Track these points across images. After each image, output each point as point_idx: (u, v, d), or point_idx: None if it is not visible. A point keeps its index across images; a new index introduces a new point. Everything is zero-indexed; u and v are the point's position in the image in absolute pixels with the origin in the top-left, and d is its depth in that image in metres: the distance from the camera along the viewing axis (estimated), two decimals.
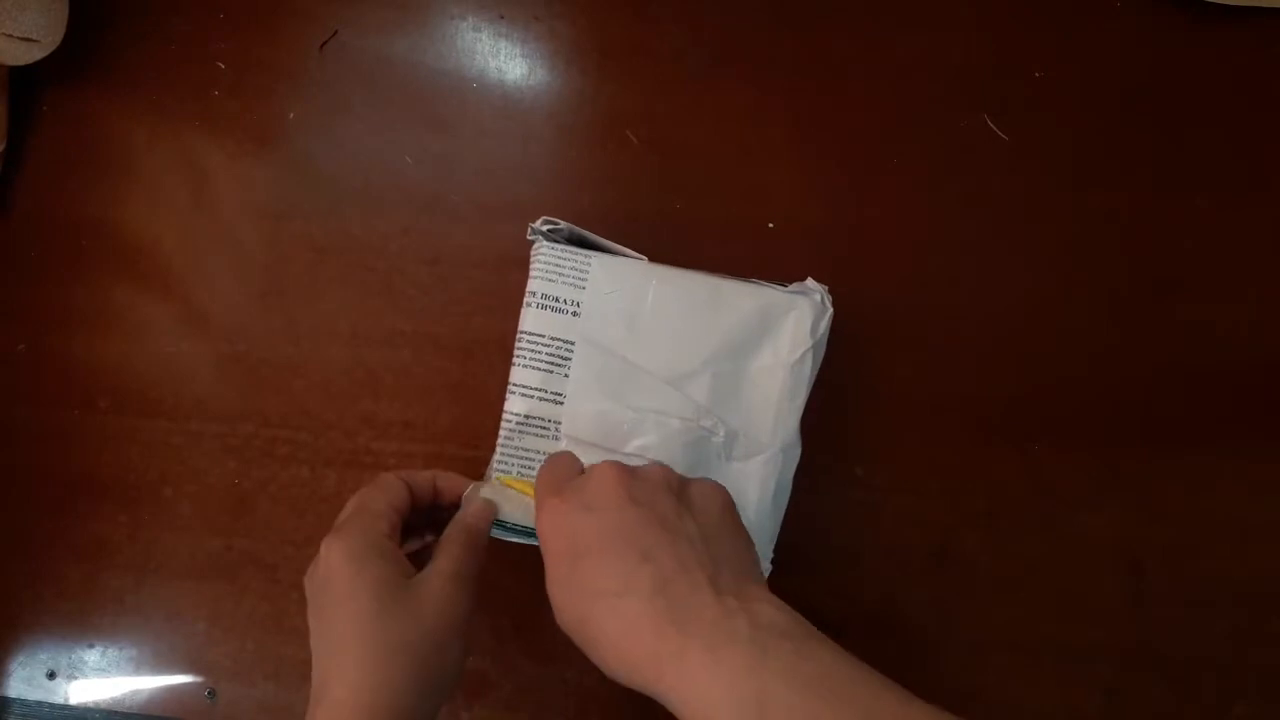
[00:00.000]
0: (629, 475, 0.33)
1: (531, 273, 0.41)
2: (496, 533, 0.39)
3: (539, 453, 0.40)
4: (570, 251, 0.41)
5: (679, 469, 0.39)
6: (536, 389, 0.40)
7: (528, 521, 0.39)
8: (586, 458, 0.39)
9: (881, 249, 0.47)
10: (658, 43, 0.48)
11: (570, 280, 0.40)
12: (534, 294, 0.40)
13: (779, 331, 0.40)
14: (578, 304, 0.40)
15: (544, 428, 0.40)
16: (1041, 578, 0.45)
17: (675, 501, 0.33)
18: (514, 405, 0.40)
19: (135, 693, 0.48)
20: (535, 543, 0.38)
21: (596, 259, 0.41)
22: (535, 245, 0.41)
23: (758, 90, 0.48)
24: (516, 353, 0.40)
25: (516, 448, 0.40)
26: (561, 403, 0.40)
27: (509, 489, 0.40)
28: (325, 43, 0.50)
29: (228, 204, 0.49)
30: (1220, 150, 0.47)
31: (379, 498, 0.38)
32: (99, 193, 0.50)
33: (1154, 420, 0.46)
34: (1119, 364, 0.46)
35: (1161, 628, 0.45)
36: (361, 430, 0.48)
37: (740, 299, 0.40)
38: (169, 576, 0.48)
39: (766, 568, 0.40)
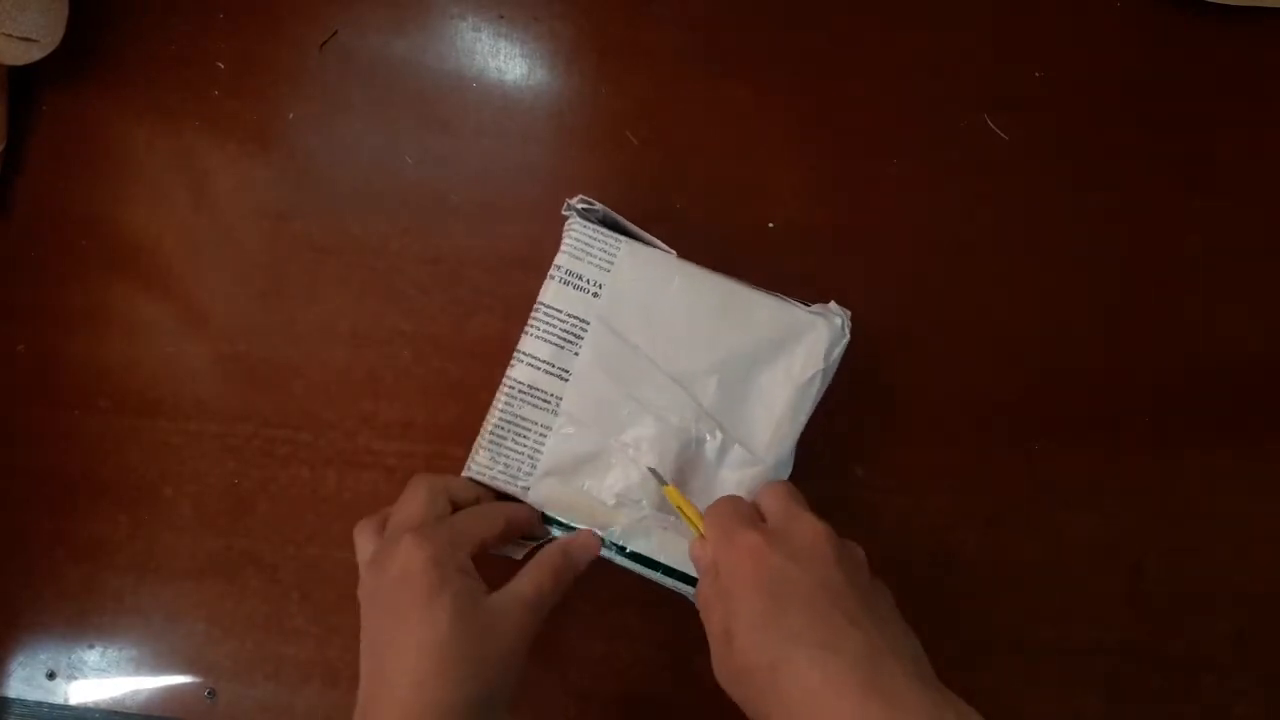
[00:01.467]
0: (836, 538, 0.34)
1: (561, 248, 0.41)
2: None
3: (535, 424, 0.40)
4: (601, 233, 0.41)
5: (669, 466, 0.39)
6: (544, 361, 0.40)
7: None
8: (580, 440, 0.40)
9: (881, 249, 0.47)
10: (658, 43, 0.48)
11: (597, 261, 0.41)
12: (559, 268, 0.41)
13: (794, 349, 0.40)
14: (600, 285, 0.40)
15: (545, 401, 0.40)
16: (1041, 578, 0.45)
17: (870, 581, 0.34)
18: (518, 373, 0.41)
19: (135, 693, 0.48)
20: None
21: (626, 244, 0.41)
22: (569, 221, 0.41)
23: (758, 90, 0.48)
24: (531, 322, 0.41)
25: (514, 415, 0.40)
26: (566, 379, 0.40)
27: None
28: (325, 43, 0.50)
29: (228, 204, 0.49)
30: (1220, 150, 0.47)
31: (478, 525, 0.38)
32: (99, 193, 0.50)
33: (1154, 420, 0.46)
34: (1119, 364, 0.46)
35: (1161, 628, 0.45)
36: (361, 430, 0.48)
37: (760, 310, 0.40)
38: (169, 576, 0.48)
39: None
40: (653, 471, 0.39)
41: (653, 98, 0.48)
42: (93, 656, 0.48)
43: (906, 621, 0.35)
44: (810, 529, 0.34)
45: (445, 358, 0.48)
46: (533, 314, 0.41)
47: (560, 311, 0.40)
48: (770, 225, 0.47)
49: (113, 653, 0.48)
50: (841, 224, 0.47)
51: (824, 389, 0.41)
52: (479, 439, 0.41)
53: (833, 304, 0.41)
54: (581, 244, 0.41)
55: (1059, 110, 0.47)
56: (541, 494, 0.40)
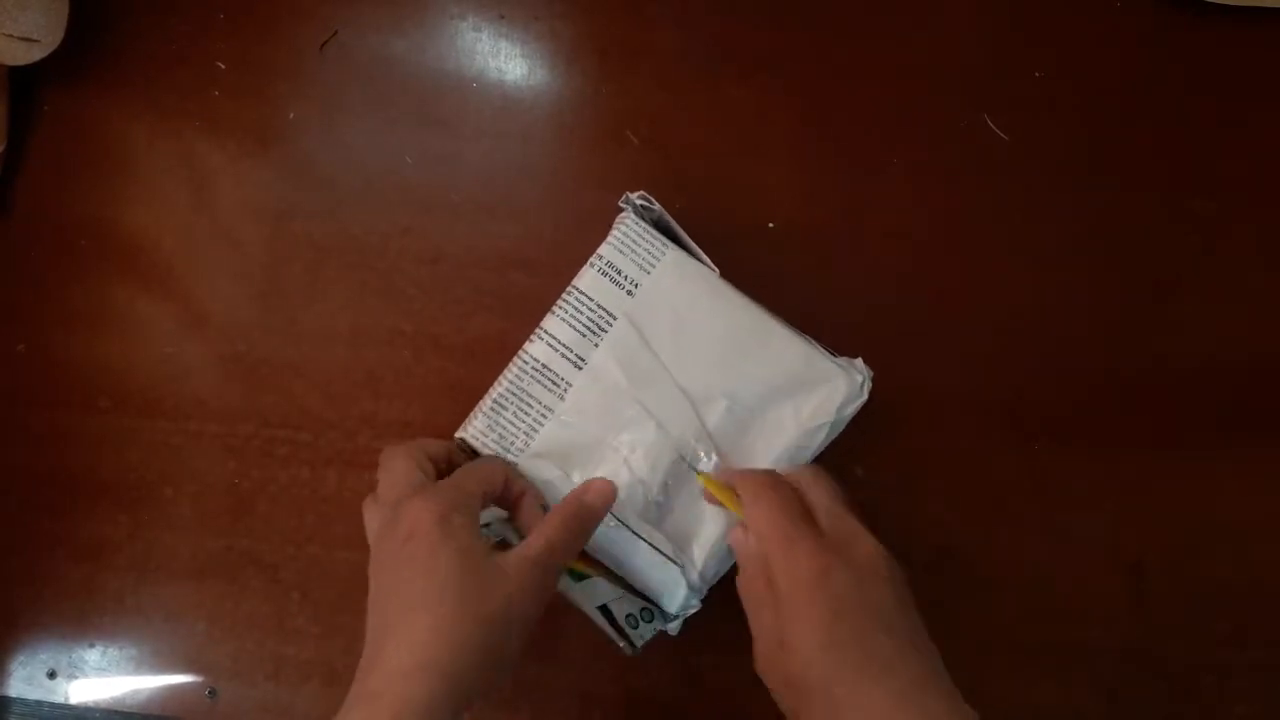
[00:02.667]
0: (889, 556, 0.34)
1: (607, 239, 0.41)
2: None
3: (539, 403, 0.40)
4: (650, 234, 0.41)
5: (656, 479, 0.39)
6: (564, 345, 0.40)
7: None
8: (578, 430, 0.40)
9: (881, 249, 0.47)
10: (658, 43, 0.48)
11: (639, 260, 0.41)
12: (600, 258, 0.41)
13: (808, 395, 0.40)
14: (636, 284, 0.40)
15: (554, 383, 0.40)
16: (1041, 578, 0.45)
17: (912, 599, 0.34)
18: (536, 350, 0.41)
19: (135, 693, 0.48)
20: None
21: (672, 251, 0.41)
22: (622, 215, 0.41)
23: (758, 90, 0.48)
24: (559, 305, 0.41)
25: (521, 390, 0.40)
26: (580, 368, 0.40)
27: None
28: (325, 43, 0.50)
29: (228, 204, 0.49)
30: (1220, 150, 0.47)
31: (474, 478, 0.37)
32: (99, 193, 0.50)
33: (1154, 420, 0.46)
34: (1119, 364, 0.46)
35: (1161, 628, 0.45)
36: (361, 430, 0.48)
37: (786, 348, 0.40)
38: (169, 576, 0.48)
39: (696, 605, 0.40)
40: (683, 459, 0.39)
41: (653, 98, 0.48)
42: (93, 656, 0.48)
43: None
44: (869, 547, 0.34)
45: (445, 358, 0.48)
46: (564, 296, 0.41)
47: (591, 300, 0.40)
48: (770, 225, 0.47)
49: (113, 652, 0.48)
50: (841, 224, 0.47)
51: (829, 441, 0.41)
52: (479, 405, 0.41)
53: (859, 361, 0.41)
54: (628, 240, 0.41)
55: (1059, 110, 0.47)
56: (526, 473, 0.40)
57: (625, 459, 0.40)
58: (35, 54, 0.46)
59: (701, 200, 0.47)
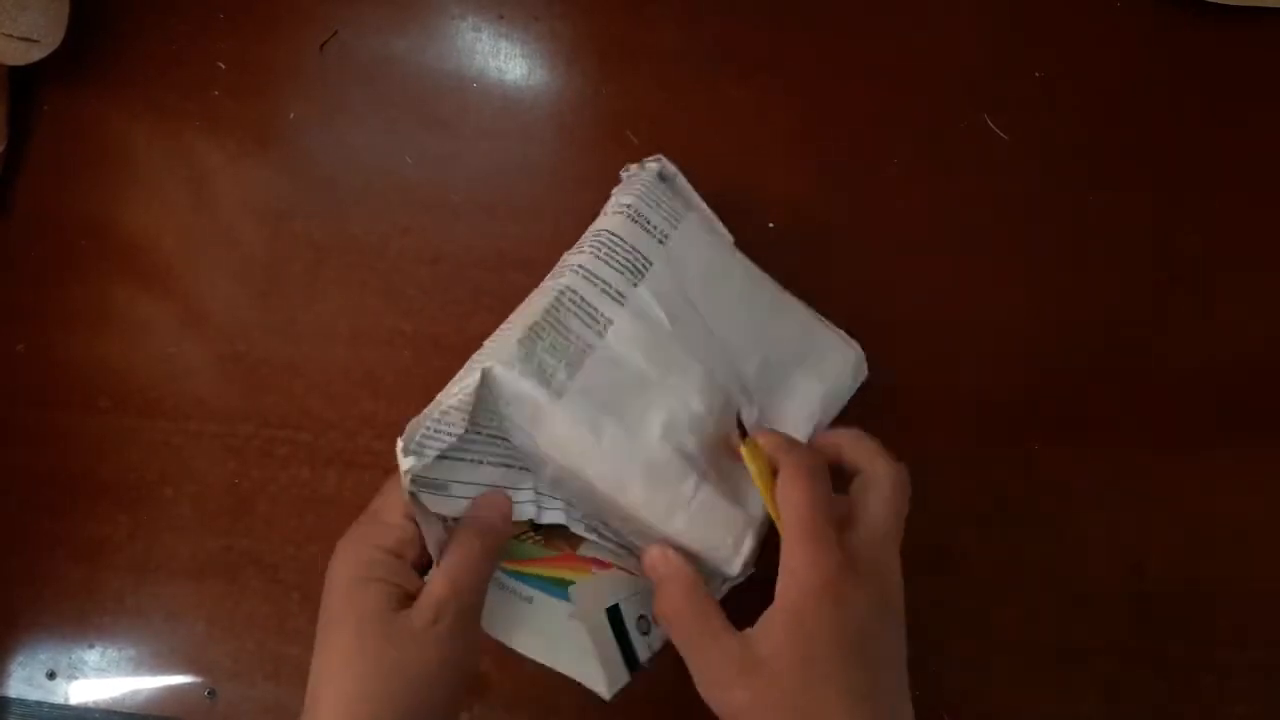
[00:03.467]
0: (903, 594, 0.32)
1: (628, 191, 0.40)
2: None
3: (579, 338, 0.36)
4: (672, 194, 0.41)
5: (712, 421, 0.36)
6: (602, 280, 0.37)
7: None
8: (626, 367, 0.36)
9: (881, 249, 0.47)
10: (658, 43, 0.48)
11: (665, 215, 0.39)
12: (628, 206, 0.39)
13: (824, 362, 0.40)
14: (666, 235, 0.39)
15: (594, 319, 0.36)
16: (1041, 578, 0.45)
17: None
18: (571, 282, 0.37)
19: (135, 693, 0.48)
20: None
21: (694, 213, 0.41)
22: (638, 173, 0.41)
23: (758, 90, 0.48)
24: (591, 244, 0.38)
25: (558, 321, 0.36)
26: (622, 304, 0.37)
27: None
28: (325, 43, 0.50)
29: (228, 204, 0.49)
30: (1220, 150, 0.47)
31: (392, 506, 0.34)
32: (99, 193, 0.50)
33: (1154, 420, 0.46)
34: (1119, 364, 0.46)
35: (1161, 628, 0.45)
36: (361, 430, 0.48)
37: (798, 315, 0.41)
38: (169, 576, 0.48)
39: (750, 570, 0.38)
40: (739, 423, 0.36)
41: (653, 98, 0.48)
42: (93, 656, 0.48)
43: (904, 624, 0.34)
44: (896, 582, 0.32)
45: (445, 358, 0.47)
46: (592, 236, 0.38)
47: (625, 242, 0.38)
48: (770, 225, 0.47)
49: (113, 653, 0.48)
50: (841, 224, 0.47)
51: (836, 413, 0.41)
52: (501, 335, 0.36)
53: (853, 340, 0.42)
54: (653, 195, 0.40)
55: (1059, 110, 0.47)
56: (572, 411, 0.35)
57: (684, 400, 0.36)
58: (35, 54, 0.46)
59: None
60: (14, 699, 0.48)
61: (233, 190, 0.49)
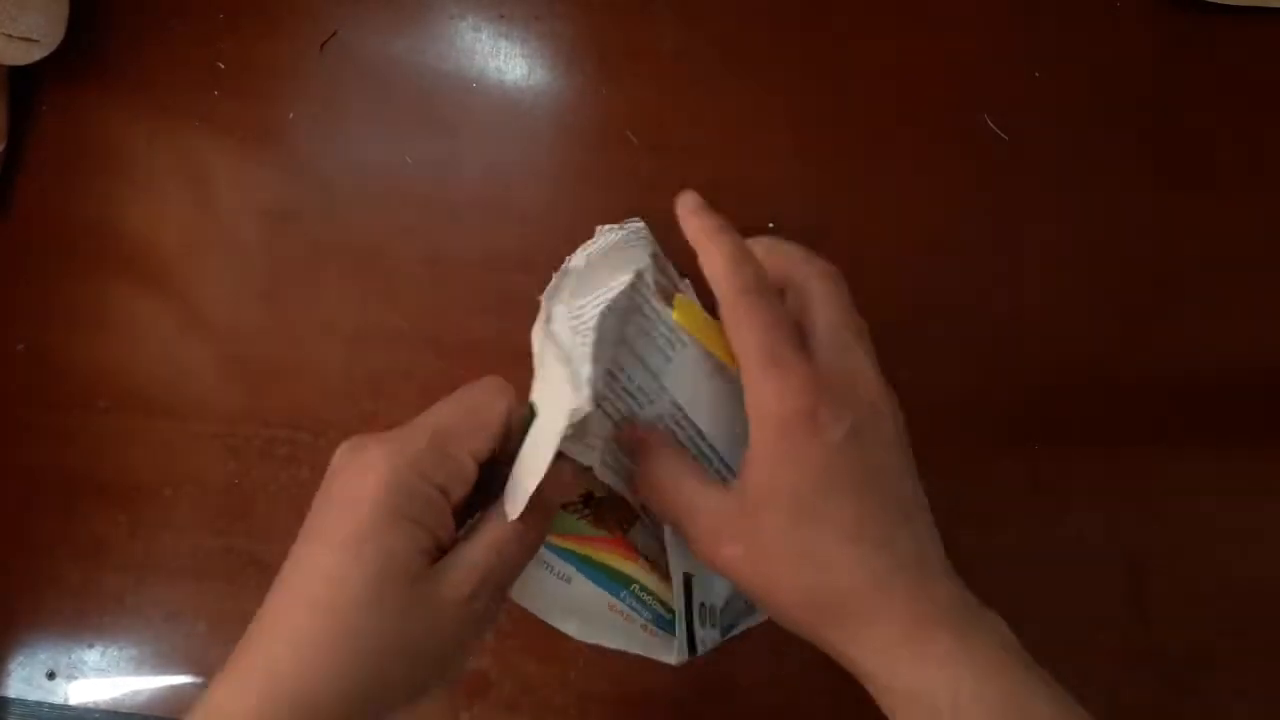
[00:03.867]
0: (894, 398, 0.29)
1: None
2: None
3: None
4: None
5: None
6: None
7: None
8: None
9: (881, 249, 0.47)
10: (658, 43, 0.48)
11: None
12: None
13: None
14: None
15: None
16: (1041, 578, 0.45)
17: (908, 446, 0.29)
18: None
19: (135, 693, 0.48)
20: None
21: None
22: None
23: (758, 90, 0.48)
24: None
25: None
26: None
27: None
28: (325, 43, 0.50)
29: (228, 204, 0.49)
30: (1221, 150, 0.47)
31: (467, 432, 0.29)
32: (99, 193, 0.50)
33: (1154, 420, 0.46)
34: (1119, 364, 0.46)
35: (1161, 628, 0.45)
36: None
37: None
38: (169, 576, 0.48)
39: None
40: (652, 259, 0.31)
41: (653, 98, 0.48)
42: (93, 656, 0.48)
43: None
44: (874, 388, 0.28)
45: (445, 358, 0.48)
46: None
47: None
48: (770, 225, 0.47)
49: (113, 653, 0.48)
50: (841, 224, 0.47)
51: None
52: (614, 264, 0.32)
53: None
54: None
55: (1059, 110, 0.47)
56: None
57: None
58: (35, 54, 0.46)
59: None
60: (14, 699, 0.48)
61: (233, 190, 0.49)
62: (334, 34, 0.49)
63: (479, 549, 0.28)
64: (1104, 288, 0.46)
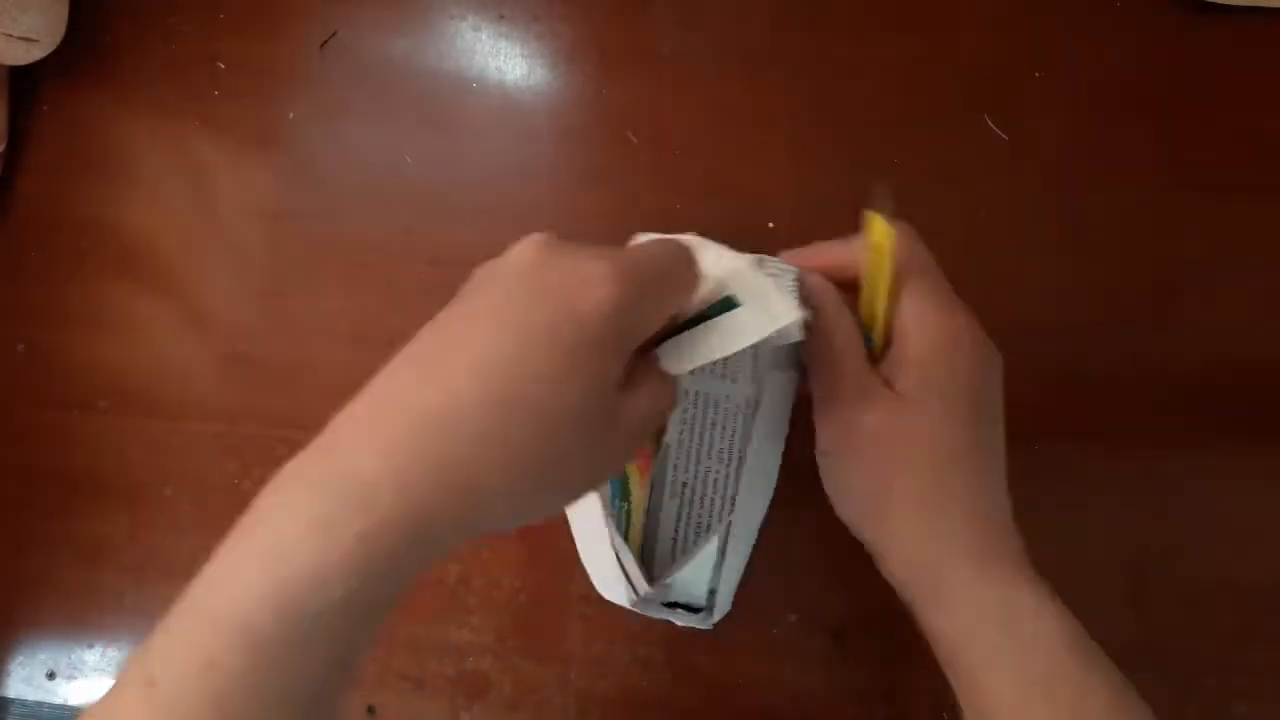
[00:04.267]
0: (989, 375, 0.35)
1: None
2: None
3: None
4: None
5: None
6: None
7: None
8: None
9: None
10: (658, 43, 0.48)
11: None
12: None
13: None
14: None
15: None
16: (1042, 578, 0.45)
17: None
18: None
19: None
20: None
21: None
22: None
23: (758, 90, 0.48)
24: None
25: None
26: None
27: None
28: (325, 43, 0.50)
29: (228, 204, 0.49)
30: (1221, 150, 0.47)
31: (673, 283, 0.29)
32: (99, 193, 0.50)
33: (1154, 420, 0.46)
34: (1119, 364, 0.46)
35: (1161, 628, 0.45)
36: None
37: None
38: (169, 576, 0.48)
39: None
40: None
41: (653, 98, 0.48)
42: (93, 656, 0.48)
43: None
44: (966, 367, 0.33)
45: None
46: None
47: None
48: (770, 225, 0.47)
49: (113, 653, 0.48)
50: (841, 224, 0.47)
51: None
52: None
53: None
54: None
55: (1059, 110, 0.47)
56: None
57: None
58: (35, 54, 0.47)
59: (701, 200, 0.47)
60: (14, 699, 0.48)
61: (233, 190, 0.49)
62: (334, 34, 0.49)
63: (649, 393, 0.28)
64: (1104, 288, 0.46)
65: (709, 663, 0.46)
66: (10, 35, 0.45)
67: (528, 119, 0.49)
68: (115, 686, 0.25)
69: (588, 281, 0.26)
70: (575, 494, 0.29)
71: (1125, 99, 0.47)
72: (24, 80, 0.50)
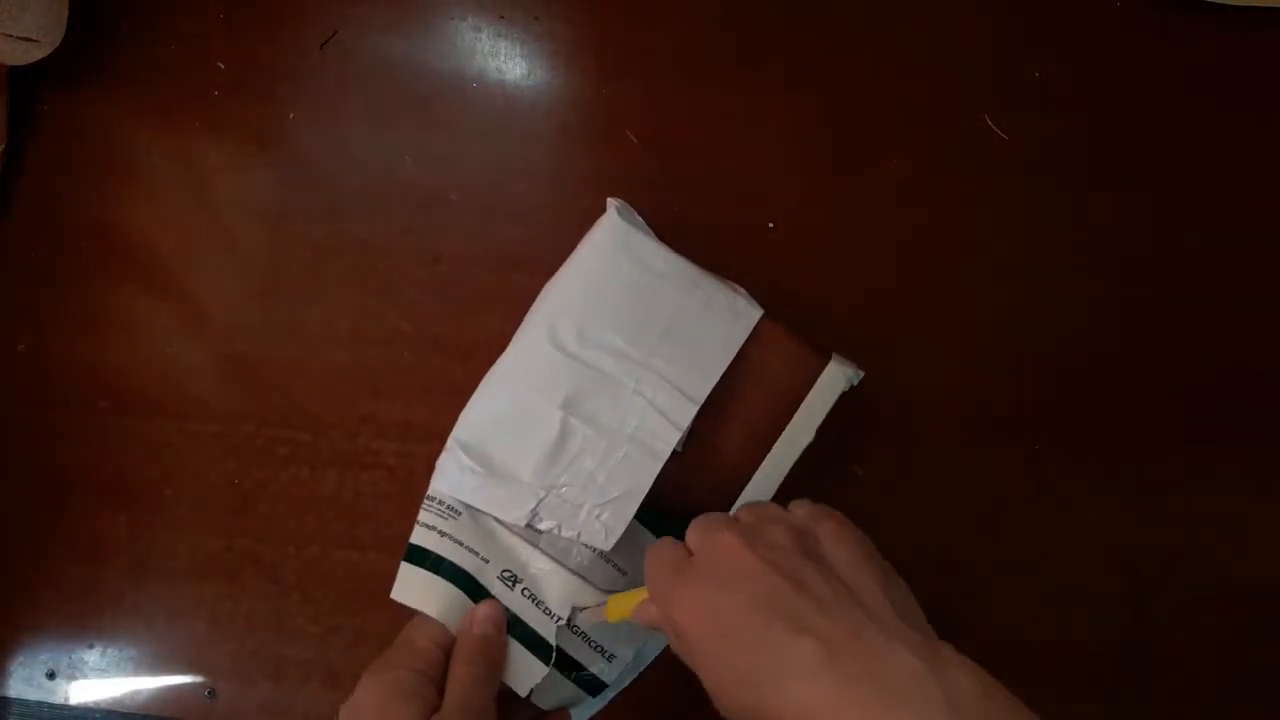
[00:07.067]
0: (755, 538, 0.32)
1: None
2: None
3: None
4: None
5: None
6: None
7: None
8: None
9: (882, 249, 0.47)
10: (658, 43, 0.48)
11: None
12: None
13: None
14: None
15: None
16: (1041, 578, 0.45)
17: (815, 552, 0.32)
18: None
19: (135, 693, 0.48)
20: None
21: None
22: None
23: (758, 90, 0.48)
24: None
25: None
26: None
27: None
28: (325, 43, 0.50)
29: (228, 204, 0.49)
30: (1220, 150, 0.47)
31: (422, 632, 0.37)
32: (99, 193, 0.50)
33: (1154, 420, 0.46)
34: (1119, 364, 0.46)
35: (1161, 628, 0.45)
36: (361, 430, 0.48)
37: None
38: (169, 576, 0.48)
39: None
40: (574, 612, 0.38)
41: (653, 98, 0.48)
42: (93, 656, 0.48)
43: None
44: (721, 546, 0.32)
45: (445, 358, 0.48)
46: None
47: None
48: (770, 225, 0.47)
49: (113, 653, 0.48)
50: (841, 224, 0.47)
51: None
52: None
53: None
54: None
55: (1059, 110, 0.47)
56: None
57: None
58: (35, 54, 0.46)
59: (702, 200, 0.47)
60: (14, 699, 0.48)
61: (233, 191, 0.49)
62: (334, 34, 0.49)
63: (455, 680, 0.35)
64: (1104, 287, 0.46)
65: None
66: (10, 35, 0.45)
67: (528, 119, 0.49)
68: None
69: (357, 696, 0.35)
70: None
71: (1125, 98, 0.47)
72: (24, 80, 0.50)
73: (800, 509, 0.35)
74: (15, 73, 0.49)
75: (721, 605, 0.30)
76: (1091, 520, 0.45)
